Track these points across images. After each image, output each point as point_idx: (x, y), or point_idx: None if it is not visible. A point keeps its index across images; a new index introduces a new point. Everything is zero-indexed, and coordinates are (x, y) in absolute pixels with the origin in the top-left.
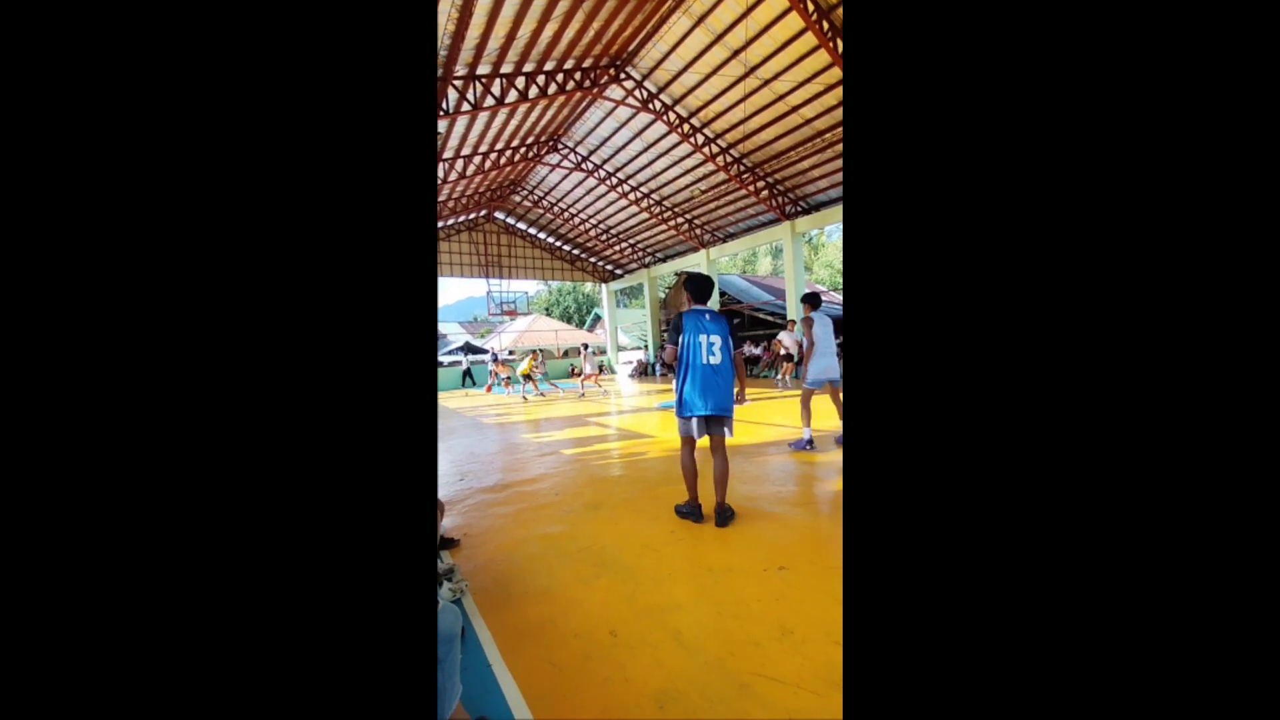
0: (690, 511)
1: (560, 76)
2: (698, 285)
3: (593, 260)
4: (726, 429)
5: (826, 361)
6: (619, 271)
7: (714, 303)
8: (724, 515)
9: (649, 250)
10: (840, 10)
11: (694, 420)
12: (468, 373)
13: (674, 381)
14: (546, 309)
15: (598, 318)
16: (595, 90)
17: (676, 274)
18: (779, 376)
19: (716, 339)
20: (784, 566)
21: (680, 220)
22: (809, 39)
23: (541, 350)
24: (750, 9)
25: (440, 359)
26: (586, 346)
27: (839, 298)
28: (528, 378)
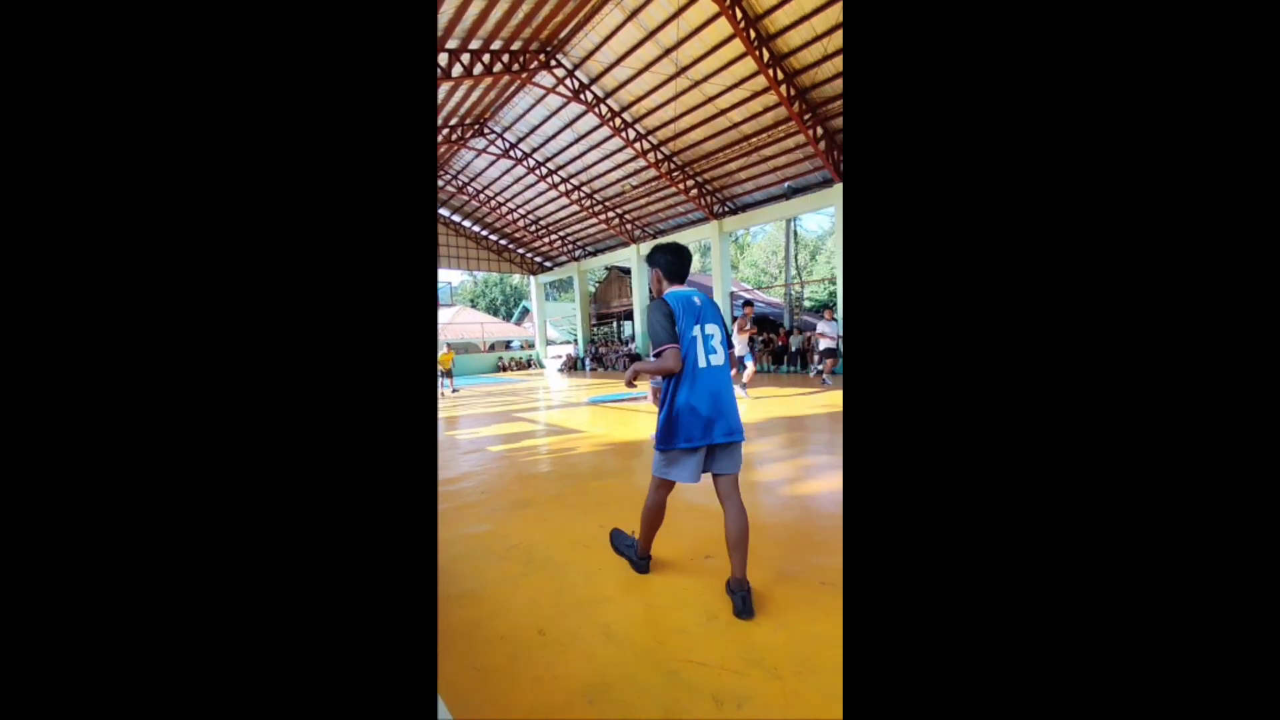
0: (635, 559)
1: (487, 57)
2: (675, 258)
3: (521, 251)
4: (738, 462)
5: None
6: (548, 264)
7: (642, 300)
8: (744, 594)
9: (579, 243)
10: (766, 21)
11: (693, 457)
12: None
13: (655, 398)
14: (472, 301)
15: (526, 311)
16: (524, 75)
17: (608, 268)
18: (820, 374)
19: (715, 330)
20: (709, 555)
21: (611, 214)
22: (737, 45)
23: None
24: (681, 9)
25: None
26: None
27: (763, 296)
28: (448, 373)
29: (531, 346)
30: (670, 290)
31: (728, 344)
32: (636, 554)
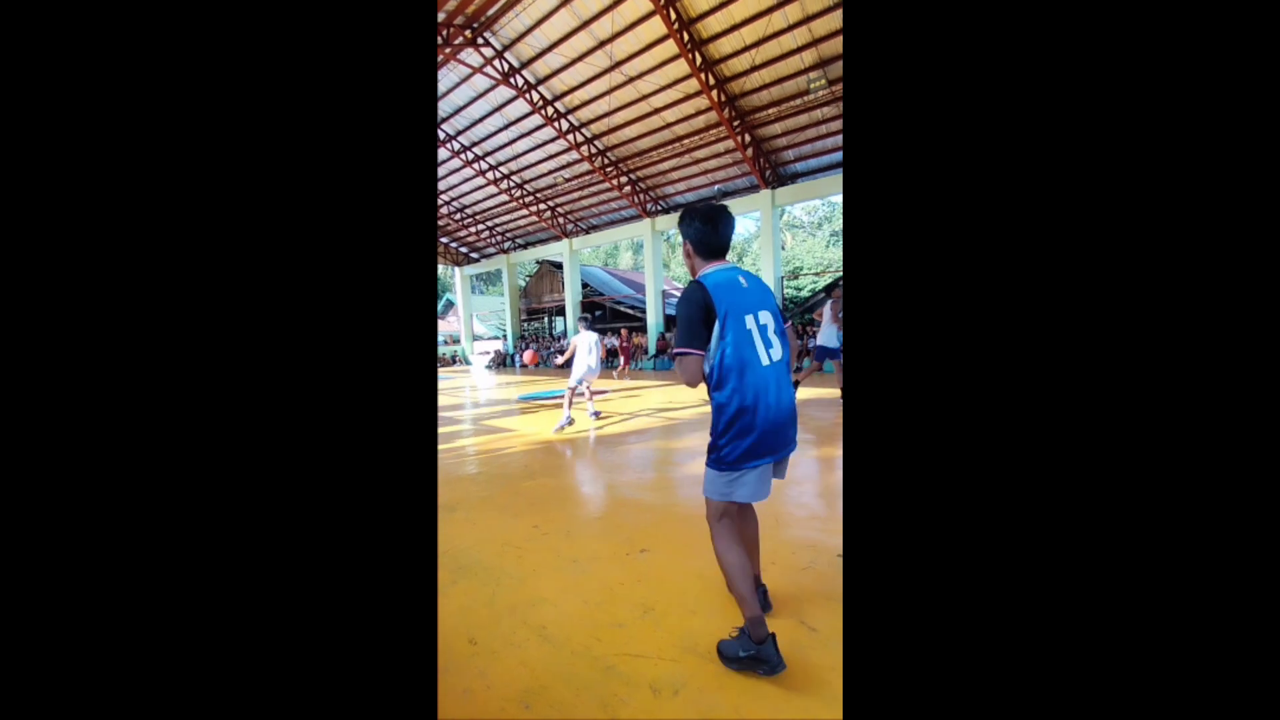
0: (759, 647)
1: None
2: (708, 226)
3: (444, 241)
4: (785, 468)
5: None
6: (475, 255)
7: (575, 295)
8: (763, 590)
9: (508, 235)
10: (699, 25)
11: (761, 470)
12: None
13: (713, 413)
14: None
15: (450, 304)
16: (448, 51)
17: (539, 262)
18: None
19: (769, 317)
20: (645, 549)
21: (543, 207)
22: (671, 46)
23: None
24: (616, 3)
25: None
26: (590, 320)
27: None
28: None
29: (456, 342)
30: (707, 270)
31: (784, 333)
32: (752, 638)
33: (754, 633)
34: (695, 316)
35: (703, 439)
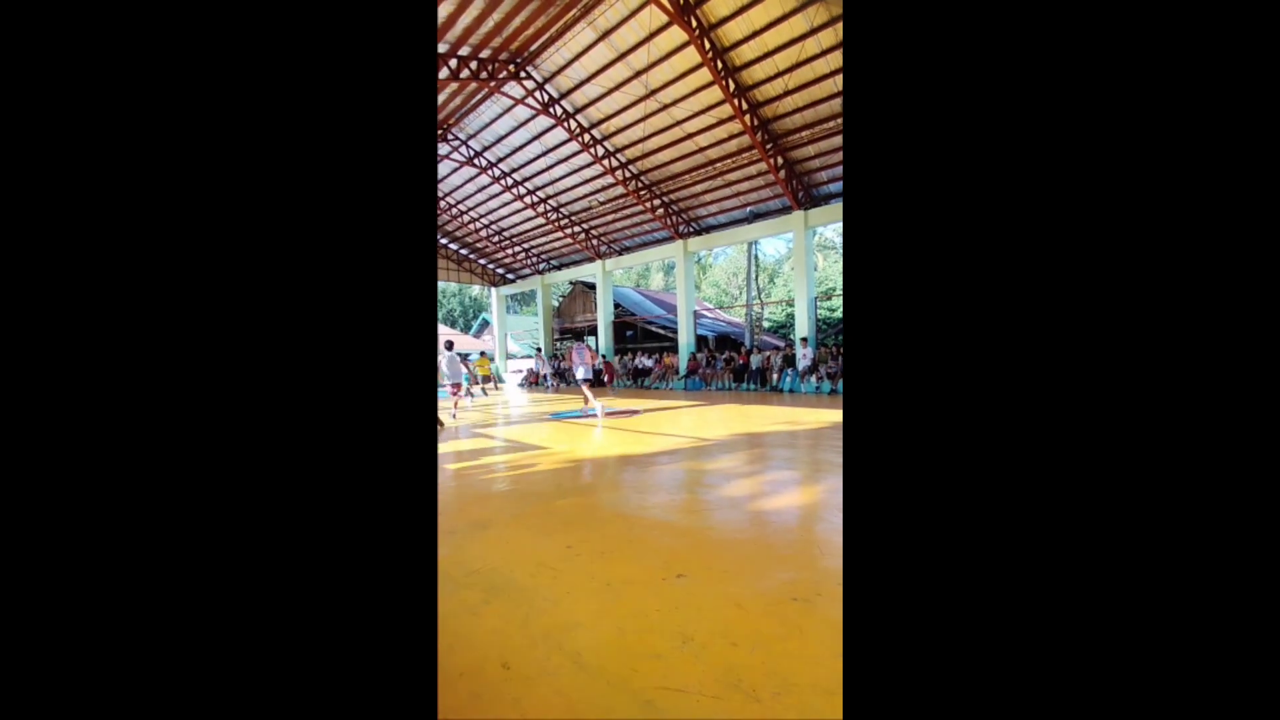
0: None
1: (454, 62)
2: None
3: (482, 262)
4: None
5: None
6: (511, 276)
7: (607, 315)
8: None
9: (543, 256)
10: (733, 53)
11: None
12: None
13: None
14: None
15: (486, 323)
16: (493, 84)
17: (572, 282)
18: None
19: None
20: (682, 574)
21: (577, 229)
22: (705, 74)
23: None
24: (652, 35)
25: None
26: (450, 346)
27: (725, 316)
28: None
29: (491, 360)
30: None
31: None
32: None
33: None
34: None
35: (734, 461)
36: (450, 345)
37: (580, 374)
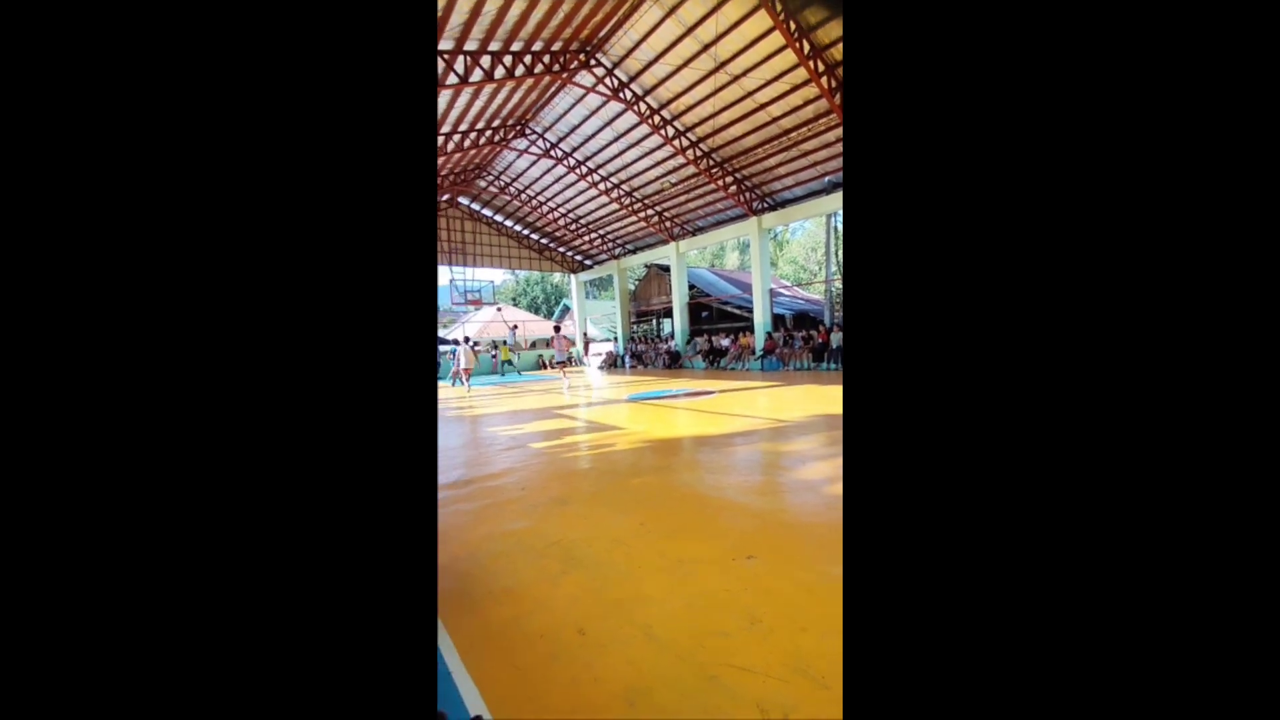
0: None
1: (528, 58)
2: None
3: (561, 250)
4: None
5: None
6: (588, 262)
7: (682, 297)
8: None
9: (619, 241)
10: (807, 12)
11: None
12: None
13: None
14: (514, 299)
15: (566, 309)
16: (565, 75)
17: (647, 266)
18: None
19: None
20: (752, 555)
21: (650, 212)
22: (777, 38)
23: (505, 341)
24: (720, 4)
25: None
26: (558, 330)
27: (803, 293)
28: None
29: (572, 344)
30: None
31: None
32: None
33: None
34: None
35: (811, 443)
36: (468, 339)
37: (557, 358)
